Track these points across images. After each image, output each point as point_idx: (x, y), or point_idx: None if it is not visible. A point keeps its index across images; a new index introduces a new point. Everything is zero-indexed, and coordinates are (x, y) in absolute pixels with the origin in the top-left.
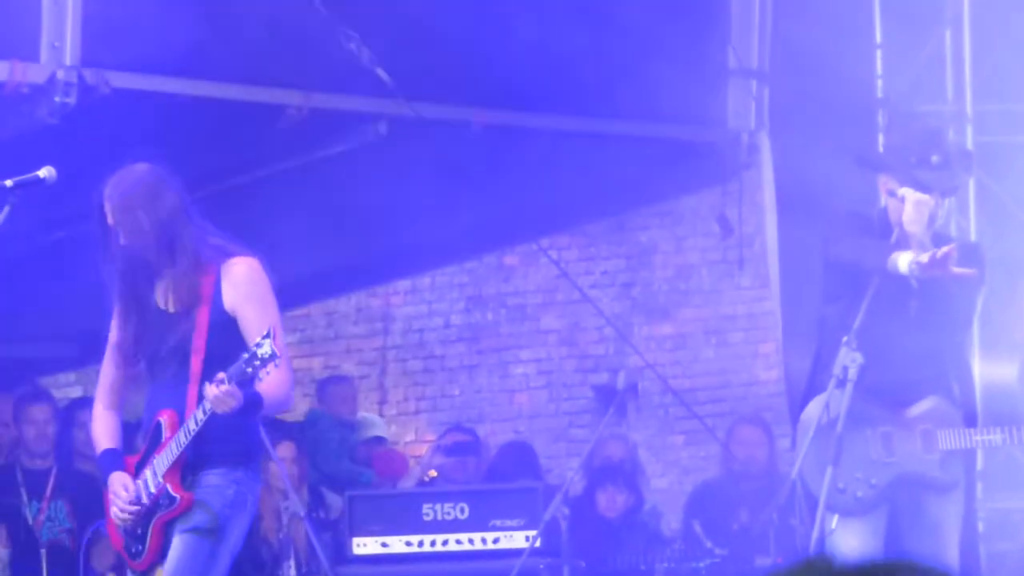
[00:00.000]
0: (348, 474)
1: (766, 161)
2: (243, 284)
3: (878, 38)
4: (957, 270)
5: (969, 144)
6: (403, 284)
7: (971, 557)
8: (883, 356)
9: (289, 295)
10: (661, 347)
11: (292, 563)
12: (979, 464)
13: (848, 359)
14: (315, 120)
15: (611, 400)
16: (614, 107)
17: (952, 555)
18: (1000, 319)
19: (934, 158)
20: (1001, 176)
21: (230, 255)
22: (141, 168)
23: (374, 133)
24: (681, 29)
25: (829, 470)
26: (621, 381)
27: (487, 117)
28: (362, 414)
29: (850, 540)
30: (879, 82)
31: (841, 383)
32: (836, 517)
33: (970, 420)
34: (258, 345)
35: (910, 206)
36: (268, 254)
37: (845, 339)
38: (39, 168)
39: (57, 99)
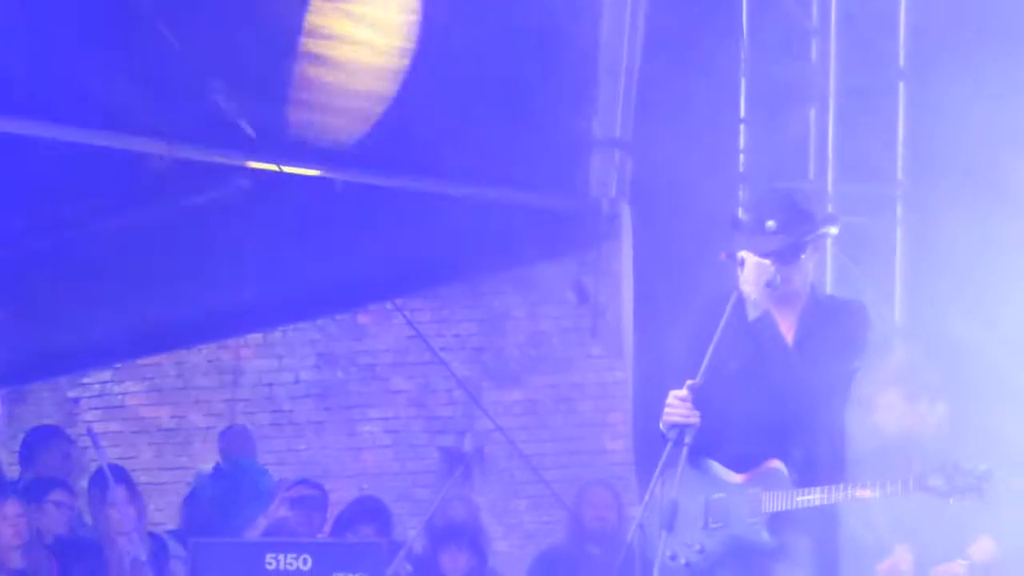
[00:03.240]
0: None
1: (626, 231)
2: None
3: (743, 112)
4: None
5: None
6: (254, 338)
7: None
8: (725, 421)
9: (140, 343)
10: (510, 412)
11: None
12: None
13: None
14: (178, 170)
15: (456, 462)
16: (475, 171)
17: None
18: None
19: (769, 224)
20: (858, 256)
21: None
22: None
23: (236, 186)
24: (547, 97)
25: (663, 535)
26: (467, 444)
27: (349, 176)
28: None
29: None
30: (741, 157)
31: (677, 444)
32: None
33: (808, 482)
34: None
35: (747, 268)
36: (122, 300)
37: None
38: None
39: None
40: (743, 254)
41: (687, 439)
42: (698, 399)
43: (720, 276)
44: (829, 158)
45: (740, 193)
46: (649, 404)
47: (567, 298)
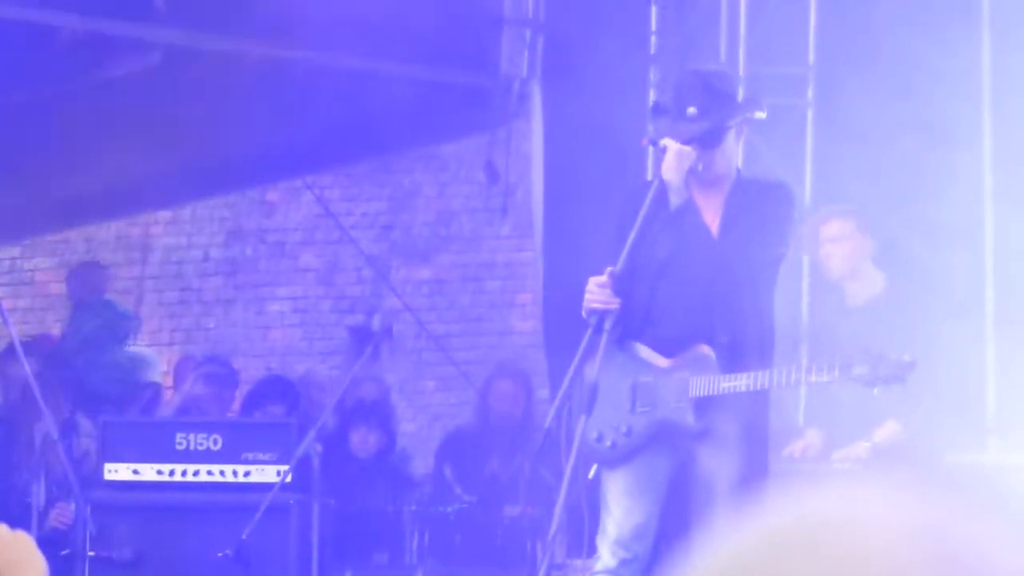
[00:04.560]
0: (131, 363)
1: (536, 110)
2: None
3: None
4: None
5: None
6: (164, 215)
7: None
8: (650, 307)
9: (49, 218)
10: (418, 291)
11: (42, 486)
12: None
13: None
14: (88, 44)
15: (365, 341)
16: (386, 47)
17: (720, 510)
18: None
19: (690, 110)
20: (769, 138)
21: None
22: None
23: (146, 60)
24: None
25: (582, 419)
26: (376, 323)
27: (260, 50)
28: (135, 349)
29: (611, 490)
30: (653, 38)
31: (597, 330)
32: (595, 467)
33: (735, 368)
34: None
35: (670, 155)
36: (30, 175)
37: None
38: None
39: None
40: (665, 141)
41: (607, 325)
42: (619, 286)
43: (634, 158)
44: (741, 39)
45: (651, 75)
46: (560, 285)
47: (477, 178)
